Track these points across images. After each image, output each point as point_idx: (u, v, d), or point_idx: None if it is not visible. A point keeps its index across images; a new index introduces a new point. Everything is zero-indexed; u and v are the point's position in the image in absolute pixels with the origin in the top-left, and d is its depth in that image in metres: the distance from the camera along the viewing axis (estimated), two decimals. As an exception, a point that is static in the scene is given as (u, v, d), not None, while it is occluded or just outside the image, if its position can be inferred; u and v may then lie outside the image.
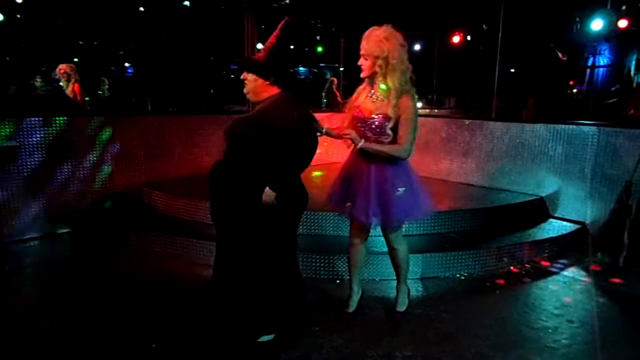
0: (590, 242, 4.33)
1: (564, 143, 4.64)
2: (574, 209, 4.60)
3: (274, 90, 2.42)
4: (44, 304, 3.22)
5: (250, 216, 2.39)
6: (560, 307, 3.22)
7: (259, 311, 2.56)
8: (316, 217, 4.00)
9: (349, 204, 2.75)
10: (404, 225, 2.90)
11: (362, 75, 2.63)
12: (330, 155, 5.89)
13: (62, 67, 5.63)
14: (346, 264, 3.21)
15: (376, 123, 2.59)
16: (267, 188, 2.32)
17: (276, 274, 2.55)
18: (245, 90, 2.45)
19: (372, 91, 2.65)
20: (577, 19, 10.75)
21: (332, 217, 3.97)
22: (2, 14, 8.73)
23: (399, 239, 2.86)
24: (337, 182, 2.85)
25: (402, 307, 3.04)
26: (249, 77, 2.42)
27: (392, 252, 2.90)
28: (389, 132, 2.58)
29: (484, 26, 11.47)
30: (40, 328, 2.86)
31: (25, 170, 4.36)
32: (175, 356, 2.56)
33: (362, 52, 2.57)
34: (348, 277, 3.13)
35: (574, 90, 12.50)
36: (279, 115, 2.27)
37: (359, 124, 2.67)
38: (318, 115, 2.69)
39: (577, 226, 4.46)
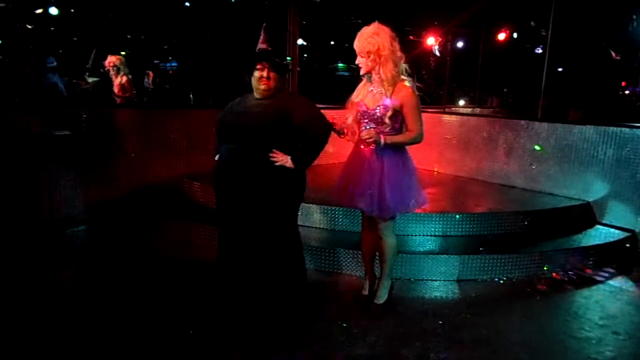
0: (640, 251, 4.13)
1: (615, 146, 4.41)
2: (623, 216, 4.38)
3: (281, 87, 2.70)
4: (91, 284, 3.38)
5: (283, 199, 2.64)
6: (605, 318, 3.08)
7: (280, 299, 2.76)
8: (347, 212, 3.99)
9: (350, 192, 2.86)
10: (395, 218, 2.93)
11: (362, 72, 2.78)
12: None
13: (112, 59, 5.64)
14: (377, 260, 3.19)
15: (378, 114, 2.74)
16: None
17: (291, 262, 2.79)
18: (267, 86, 2.62)
19: (372, 87, 2.79)
20: (634, 17, 10.19)
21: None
22: (57, 8, 9.13)
23: (388, 231, 2.90)
24: (342, 174, 2.98)
25: (380, 299, 3.04)
26: (273, 75, 2.63)
27: (379, 242, 2.95)
28: (387, 121, 2.73)
29: (532, 22, 11.05)
30: (87, 306, 3.00)
31: (75, 159, 4.55)
32: (211, 342, 2.63)
33: (357, 51, 2.72)
34: (378, 274, 3.14)
35: (627, 92, 11.87)
36: (301, 108, 2.59)
37: (363, 117, 2.83)
38: (337, 112, 2.97)
39: (626, 234, 4.25)
